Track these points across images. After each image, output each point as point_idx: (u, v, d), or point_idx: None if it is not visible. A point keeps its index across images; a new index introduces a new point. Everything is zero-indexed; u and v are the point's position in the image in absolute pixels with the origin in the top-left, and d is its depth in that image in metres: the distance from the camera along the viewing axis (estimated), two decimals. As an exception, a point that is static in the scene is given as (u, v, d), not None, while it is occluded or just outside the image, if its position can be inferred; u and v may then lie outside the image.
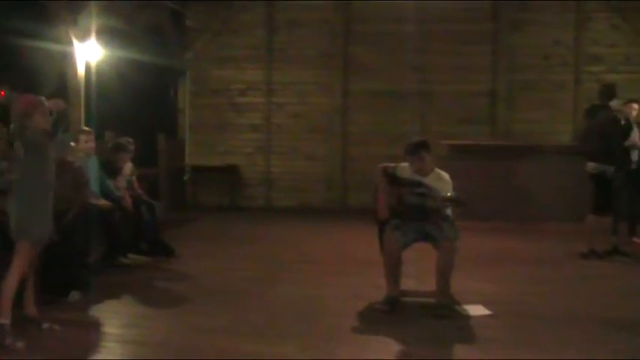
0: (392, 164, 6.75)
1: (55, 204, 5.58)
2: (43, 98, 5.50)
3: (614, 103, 9.18)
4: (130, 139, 9.28)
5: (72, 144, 7.73)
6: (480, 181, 11.82)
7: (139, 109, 12.99)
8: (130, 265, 8.32)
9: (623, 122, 9.43)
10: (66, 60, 10.66)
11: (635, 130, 9.84)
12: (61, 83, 10.75)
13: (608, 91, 9.17)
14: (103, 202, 7.99)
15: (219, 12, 14.48)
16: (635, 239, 9.97)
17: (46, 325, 5.59)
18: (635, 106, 9.86)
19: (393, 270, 6.44)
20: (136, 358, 5.18)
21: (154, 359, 5.10)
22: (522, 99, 13.84)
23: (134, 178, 9.37)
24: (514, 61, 13.85)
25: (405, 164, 6.63)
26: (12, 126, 5.69)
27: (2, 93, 10.49)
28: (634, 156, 9.67)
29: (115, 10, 11.61)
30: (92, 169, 8.14)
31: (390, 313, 6.25)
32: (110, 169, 8.72)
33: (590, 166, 8.99)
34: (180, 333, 5.73)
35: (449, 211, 6.46)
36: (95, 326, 5.96)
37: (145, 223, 8.81)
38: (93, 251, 7.43)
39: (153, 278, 7.85)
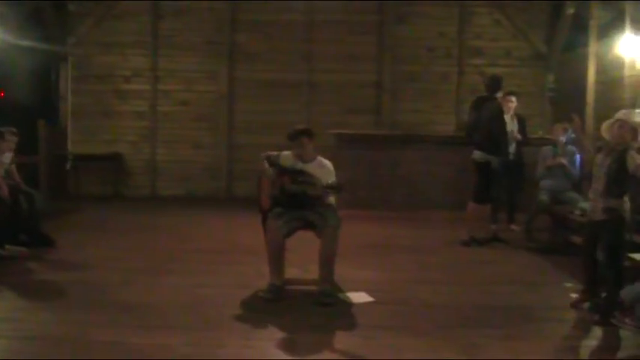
0: (275, 153, 6.79)
1: None
2: None
3: (499, 95, 9.48)
4: (14, 130, 9.03)
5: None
6: (365, 170, 12.02)
7: (18, 95, 12.55)
8: (6, 256, 8.02)
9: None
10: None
11: (514, 122, 10.18)
12: None
13: (494, 83, 9.42)
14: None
15: (103, -3, 14.15)
16: (513, 227, 10.30)
17: None
18: (513, 98, 10.18)
19: (276, 258, 6.46)
20: (11, 354, 5.00)
21: (30, 354, 4.95)
22: (407, 90, 14.09)
23: (13, 166, 9.10)
24: (399, 52, 14.08)
25: (288, 152, 6.68)
26: None
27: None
28: (511, 148, 9.98)
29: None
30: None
31: (274, 302, 6.27)
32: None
33: (477, 155, 9.23)
34: (60, 326, 5.57)
35: (332, 199, 6.53)
36: (-32, 320, 5.75)
37: (23, 212, 8.56)
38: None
39: (31, 270, 7.62)
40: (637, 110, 6.32)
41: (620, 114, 6.12)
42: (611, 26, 10.83)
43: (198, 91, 14.25)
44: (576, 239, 8.68)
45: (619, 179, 5.89)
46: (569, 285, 7.03)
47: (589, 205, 6.38)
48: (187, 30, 14.21)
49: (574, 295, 6.48)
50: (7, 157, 8.96)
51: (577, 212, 8.53)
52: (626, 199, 5.97)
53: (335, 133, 12.08)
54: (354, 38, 14.08)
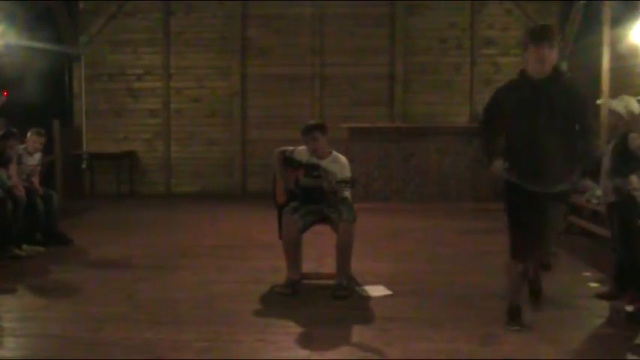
0: (290, 148, 6.78)
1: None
2: None
3: None
4: (42, 130, 9.09)
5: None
6: (378, 162, 12.02)
7: (33, 95, 12.56)
8: (24, 256, 8.05)
9: None
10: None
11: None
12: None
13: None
14: (-7, 191, 7.75)
15: (113, -6, 14.16)
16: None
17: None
18: None
19: (293, 253, 6.46)
20: (32, 352, 5.03)
21: (49, 352, 4.97)
22: (419, 81, 14.03)
23: (38, 167, 9.14)
24: (411, 44, 14.01)
25: (303, 147, 6.66)
26: None
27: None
28: None
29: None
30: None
31: (291, 297, 6.27)
32: (1, 157, 8.44)
33: None
34: (78, 323, 5.60)
35: (347, 193, 6.51)
36: (-12, 320, 5.77)
37: (40, 212, 8.59)
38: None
39: (48, 269, 7.64)
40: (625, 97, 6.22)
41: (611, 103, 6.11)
42: (625, 14, 10.73)
43: (210, 88, 14.25)
44: (593, 227, 8.65)
45: (622, 159, 5.83)
46: (587, 274, 6.99)
47: (601, 188, 6.35)
48: (198, 26, 14.20)
49: (593, 285, 6.45)
50: (36, 158, 9.03)
51: (594, 201, 8.46)
52: (635, 179, 5.84)
53: (348, 126, 12.09)
54: (366, 31, 14.02)
